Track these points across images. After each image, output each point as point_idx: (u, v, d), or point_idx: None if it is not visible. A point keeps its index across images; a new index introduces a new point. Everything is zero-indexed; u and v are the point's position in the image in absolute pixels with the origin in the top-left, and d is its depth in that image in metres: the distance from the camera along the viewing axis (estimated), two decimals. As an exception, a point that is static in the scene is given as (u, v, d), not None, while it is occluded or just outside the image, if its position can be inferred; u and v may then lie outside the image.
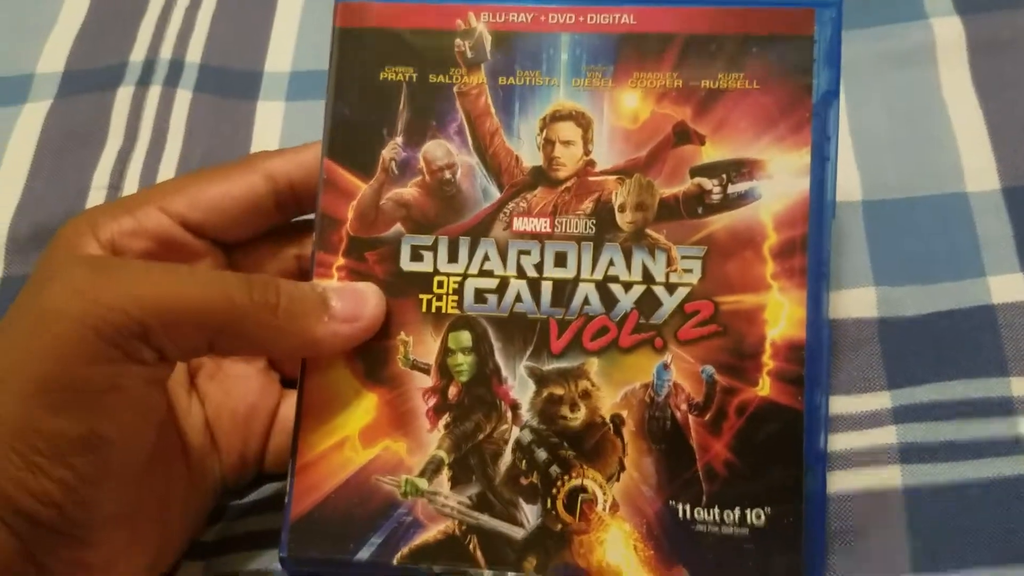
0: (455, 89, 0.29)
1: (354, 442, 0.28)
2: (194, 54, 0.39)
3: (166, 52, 0.39)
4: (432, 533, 0.27)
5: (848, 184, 0.35)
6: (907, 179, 0.34)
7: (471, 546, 0.27)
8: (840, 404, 0.31)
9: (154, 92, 0.38)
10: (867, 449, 0.30)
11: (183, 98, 0.38)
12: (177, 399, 0.29)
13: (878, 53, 0.37)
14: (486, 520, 0.27)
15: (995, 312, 0.32)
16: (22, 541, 0.23)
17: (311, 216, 0.29)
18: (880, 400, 0.31)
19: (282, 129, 0.38)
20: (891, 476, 0.30)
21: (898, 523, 0.29)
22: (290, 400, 0.30)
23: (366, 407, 0.28)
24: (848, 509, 0.29)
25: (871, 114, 0.36)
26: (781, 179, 0.28)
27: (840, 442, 0.30)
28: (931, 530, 0.29)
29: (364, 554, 0.27)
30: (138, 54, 0.39)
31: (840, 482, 0.30)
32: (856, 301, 0.32)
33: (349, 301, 0.27)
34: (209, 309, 0.24)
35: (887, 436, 0.30)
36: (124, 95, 0.38)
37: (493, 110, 0.29)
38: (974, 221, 0.33)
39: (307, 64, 0.39)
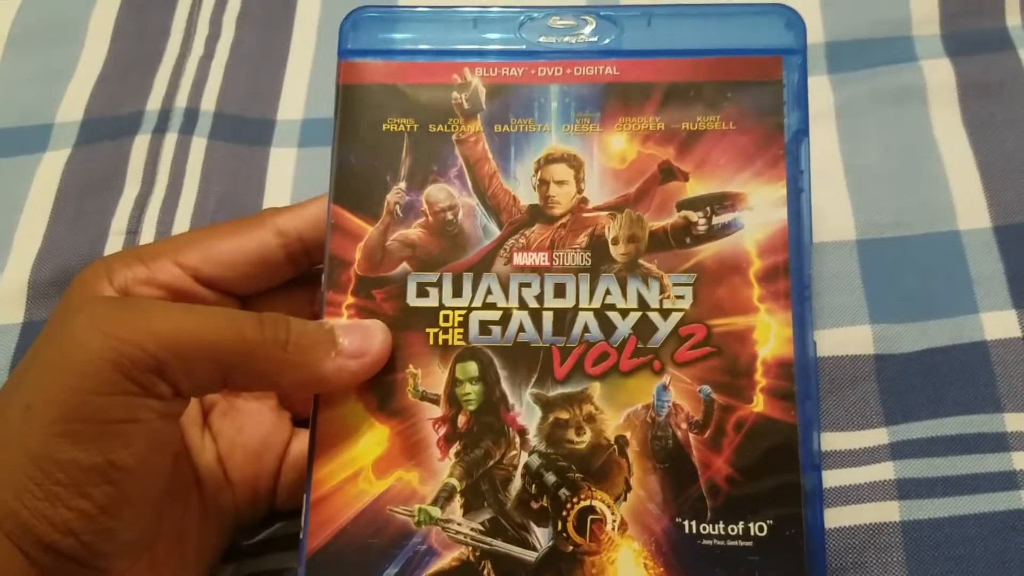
0: (454, 137, 0.31)
1: (367, 474, 0.28)
2: (208, 102, 0.41)
3: (181, 101, 0.41)
4: (447, 561, 0.28)
5: (843, 223, 0.36)
6: (900, 218, 0.36)
7: (485, 572, 0.28)
8: (838, 440, 0.32)
9: (170, 139, 0.40)
10: (865, 484, 0.31)
11: (198, 145, 0.40)
12: (191, 436, 0.29)
13: (871, 95, 0.38)
14: (499, 545, 0.28)
15: (988, 349, 0.33)
16: (42, 571, 0.23)
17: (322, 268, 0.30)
18: (878, 436, 0.32)
19: (294, 175, 0.39)
20: (889, 511, 0.31)
21: (896, 557, 0.30)
22: (301, 438, 0.31)
23: (378, 439, 0.29)
24: (848, 544, 0.30)
25: (865, 155, 0.37)
26: (761, 210, 0.30)
27: (839, 478, 0.31)
28: (929, 564, 0.30)
29: (380, 585, 0.28)
30: (154, 103, 0.41)
31: (840, 517, 0.31)
32: (852, 338, 0.33)
33: (356, 337, 0.28)
34: (222, 346, 0.25)
35: (885, 472, 0.31)
36: (141, 143, 0.40)
37: (490, 155, 0.31)
38: (966, 259, 0.35)
39: (318, 112, 0.40)
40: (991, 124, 0.37)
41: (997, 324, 0.33)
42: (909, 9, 0.40)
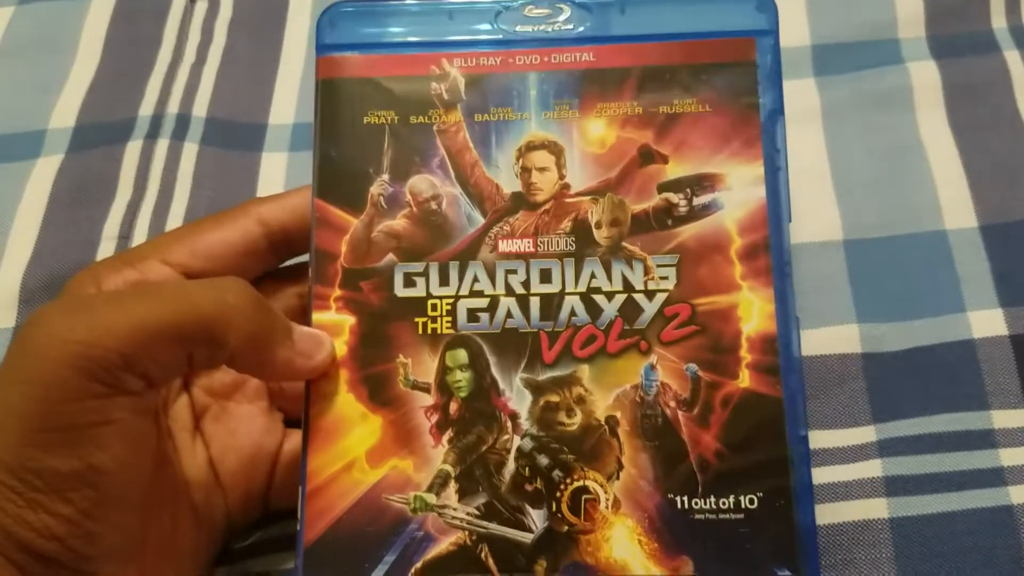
0: (435, 128, 0.31)
1: (361, 464, 0.29)
2: (200, 108, 0.41)
3: (173, 107, 0.41)
4: (444, 546, 0.28)
5: (830, 224, 0.36)
6: (887, 218, 0.36)
7: (483, 555, 0.28)
8: (827, 438, 0.32)
9: (162, 145, 0.40)
10: (854, 482, 0.31)
11: (190, 151, 0.40)
12: (181, 441, 0.29)
13: (857, 97, 0.39)
14: (495, 528, 0.28)
15: (975, 347, 0.33)
16: None
17: (307, 257, 0.30)
18: (866, 434, 0.32)
19: (286, 179, 0.39)
20: (878, 508, 0.31)
21: (885, 553, 0.30)
22: (293, 439, 0.31)
23: (371, 429, 0.29)
24: (837, 540, 0.31)
25: (851, 156, 0.37)
26: (740, 189, 0.30)
27: (828, 475, 0.32)
28: (917, 560, 0.30)
29: (379, 573, 0.28)
30: (146, 109, 0.41)
31: (829, 514, 0.31)
32: (840, 337, 0.34)
33: (308, 341, 0.28)
34: (179, 322, 0.25)
35: (873, 469, 0.31)
36: (133, 149, 0.40)
37: (471, 144, 0.31)
38: (953, 258, 0.35)
39: (309, 116, 0.39)
40: (977, 126, 0.38)
41: (983, 323, 0.34)
42: (895, 12, 0.41)
